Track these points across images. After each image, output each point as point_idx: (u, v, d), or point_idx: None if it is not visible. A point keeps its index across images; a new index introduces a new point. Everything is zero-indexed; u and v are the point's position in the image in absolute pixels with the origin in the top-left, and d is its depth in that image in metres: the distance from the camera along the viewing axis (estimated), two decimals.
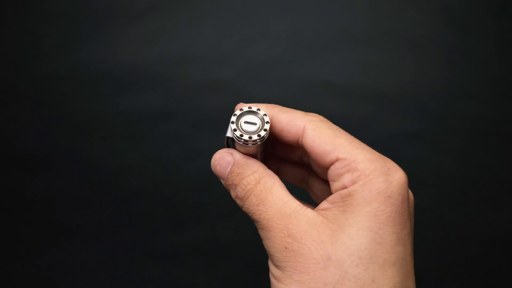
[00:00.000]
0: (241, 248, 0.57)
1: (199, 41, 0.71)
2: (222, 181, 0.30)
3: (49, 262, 0.54)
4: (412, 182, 0.29)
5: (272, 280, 0.26)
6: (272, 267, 0.27)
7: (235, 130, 0.27)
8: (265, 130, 0.27)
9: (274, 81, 0.70)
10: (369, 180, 0.25)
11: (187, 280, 0.54)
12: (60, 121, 0.67)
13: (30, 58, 0.70)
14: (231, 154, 0.29)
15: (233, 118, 0.28)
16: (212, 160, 0.30)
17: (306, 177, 0.32)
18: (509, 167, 0.65)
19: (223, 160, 0.29)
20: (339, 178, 0.26)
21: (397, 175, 0.25)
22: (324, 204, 0.27)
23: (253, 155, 0.29)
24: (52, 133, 0.66)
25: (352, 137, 0.27)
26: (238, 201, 0.29)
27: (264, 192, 0.27)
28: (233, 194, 0.29)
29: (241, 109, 0.28)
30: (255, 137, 0.27)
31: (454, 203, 0.62)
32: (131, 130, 0.67)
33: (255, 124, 0.28)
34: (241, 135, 0.27)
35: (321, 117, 0.28)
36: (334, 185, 0.26)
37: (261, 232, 0.27)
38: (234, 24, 0.71)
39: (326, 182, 0.31)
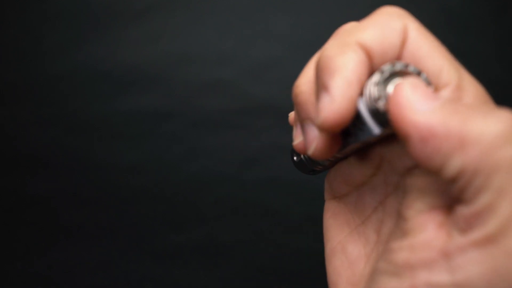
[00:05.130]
0: (241, 248, 0.57)
1: (199, 41, 0.71)
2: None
3: (49, 262, 0.54)
4: None
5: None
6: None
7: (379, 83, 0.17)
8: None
9: (274, 81, 0.70)
10: None
11: (187, 280, 0.54)
12: (60, 121, 0.67)
13: (30, 58, 0.70)
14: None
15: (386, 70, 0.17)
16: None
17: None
18: None
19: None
20: (476, 198, 0.15)
21: None
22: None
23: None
24: (52, 133, 0.66)
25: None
26: None
27: None
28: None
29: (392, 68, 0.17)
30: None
31: None
32: (131, 130, 0.67)
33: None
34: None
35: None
36: (463, 209, 0.16)
37: None
38: (234, 24, 0.71)
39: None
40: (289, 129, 0.67)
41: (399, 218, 0.18)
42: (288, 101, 0.70)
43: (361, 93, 0.17)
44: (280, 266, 0.56)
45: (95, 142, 0.66)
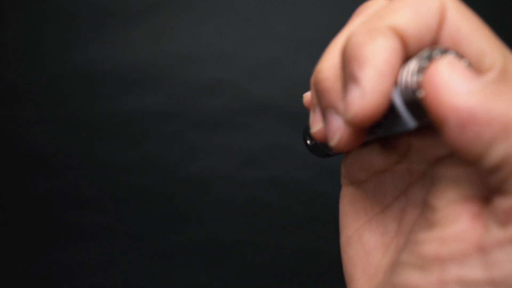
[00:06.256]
0: (241, 248, 0.57)
1: (199, 41, 0.71)
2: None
3: (49, 262, 0.54)
4: None
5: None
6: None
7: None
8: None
9: (274, 81, 0.70)
10: None
11: (187, 280, 0.54)
12: (60, 121, 0.67)
13: (30, 58, 0.70)
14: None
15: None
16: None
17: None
18: None
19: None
20: None
21: None
22: None
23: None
24: (52, 133, 0.66)
25: None
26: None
27: None
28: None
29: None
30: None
31: None
32: (131, 130, 0.67)
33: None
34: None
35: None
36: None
37: None
38: (234, 24, 0.71)
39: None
40: (289, 129, 0.67)
41: (426, 208, 0.16)
42: (288, 101, 0.70)
43: (395, 83, 0.15)
44: (280, 266, 0.56)
45: (95, 142, 0.66)
